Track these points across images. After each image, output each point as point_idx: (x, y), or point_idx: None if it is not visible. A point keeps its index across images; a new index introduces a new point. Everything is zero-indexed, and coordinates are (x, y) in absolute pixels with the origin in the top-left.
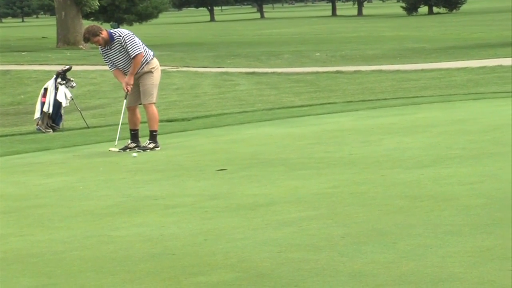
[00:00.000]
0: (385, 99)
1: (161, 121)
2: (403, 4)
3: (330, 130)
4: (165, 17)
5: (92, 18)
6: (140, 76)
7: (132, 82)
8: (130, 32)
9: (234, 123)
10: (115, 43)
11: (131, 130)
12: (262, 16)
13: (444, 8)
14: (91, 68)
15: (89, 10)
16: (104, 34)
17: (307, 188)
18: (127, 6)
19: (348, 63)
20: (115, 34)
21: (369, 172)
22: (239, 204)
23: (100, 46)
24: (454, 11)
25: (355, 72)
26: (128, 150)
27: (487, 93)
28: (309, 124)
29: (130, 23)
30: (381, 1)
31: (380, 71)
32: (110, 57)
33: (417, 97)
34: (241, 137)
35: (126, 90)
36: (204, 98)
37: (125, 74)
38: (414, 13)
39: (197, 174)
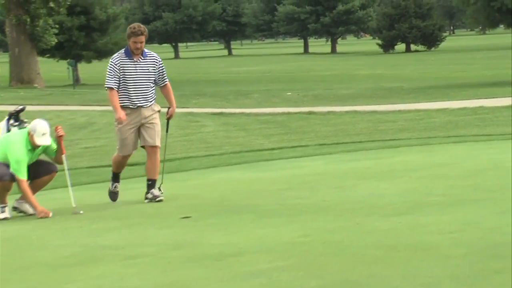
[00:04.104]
0: (360, 141)
1: None
2: (379, 41)
3: (302, 175)
4: None
5: (47, 55)
6: (151, 115)
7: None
8: None
9: (199, 167)
10: (148, 61)
11: (115, 172)
12: (230, 53)
13: (422, 46)
14: (46, 108)
15: (45, 46)
16: None
17: (278, 237)
18: (85, 42)
19: (321, 103)
20: (149, 53)
21: (343, 220)
22: (204, 254)
23: (121, 53)
24: (433, 48)
25: (329, 112)
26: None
27: (468, 135)
28: (279, 168)
29: (88, 60)
30: (355, 38)
31: (355, 111)
32: (125, 72)
33: (394, 139)
34: (207, 182)
35: (122, 120)
36: (168, 141)
37: (128, 97)
38: (391, 51)
39: (159, 221)
